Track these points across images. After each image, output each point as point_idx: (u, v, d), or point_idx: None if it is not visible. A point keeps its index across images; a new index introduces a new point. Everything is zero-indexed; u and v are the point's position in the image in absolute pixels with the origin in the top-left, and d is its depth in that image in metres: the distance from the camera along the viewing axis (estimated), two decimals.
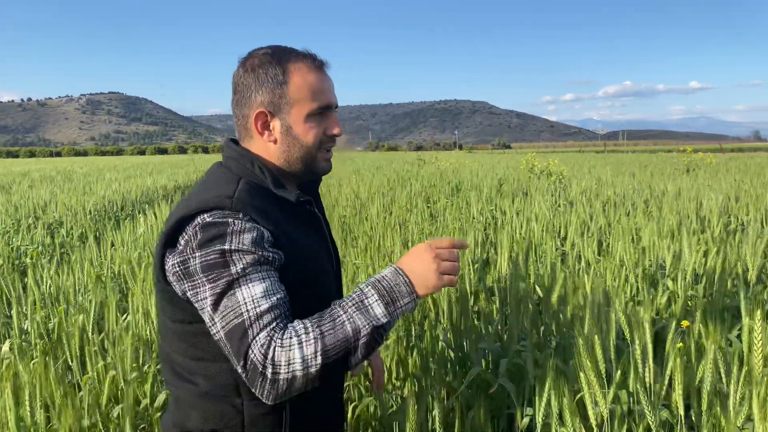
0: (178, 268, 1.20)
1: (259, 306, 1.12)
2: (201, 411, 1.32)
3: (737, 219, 5.84)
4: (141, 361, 2.83)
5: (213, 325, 1.16)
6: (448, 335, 2.82)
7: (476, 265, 3.92)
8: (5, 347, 3.06)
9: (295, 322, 1.14)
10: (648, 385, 1.83)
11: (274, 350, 1.08)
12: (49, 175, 19.69)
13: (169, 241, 1.24)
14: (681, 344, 2.61)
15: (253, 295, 1.13)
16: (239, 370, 1.12)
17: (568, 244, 4.49)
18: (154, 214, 6.97)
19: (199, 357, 1.30)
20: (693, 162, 16.45)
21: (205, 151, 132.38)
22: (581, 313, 2.31)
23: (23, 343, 3.11)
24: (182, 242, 1.22)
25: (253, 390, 1.11)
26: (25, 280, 3.87)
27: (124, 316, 3.39)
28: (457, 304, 2.94)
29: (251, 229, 1.20)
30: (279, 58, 1.34)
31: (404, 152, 78.30)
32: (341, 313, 1.14)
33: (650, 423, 1.70)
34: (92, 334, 2.75)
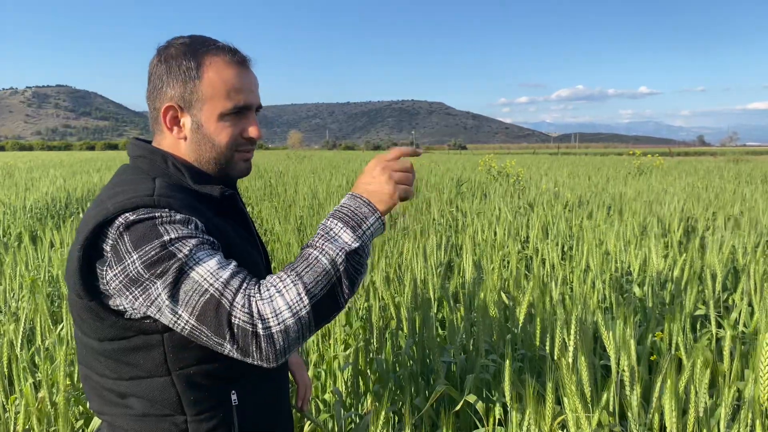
0: (120, 278, 1.06)
1: (221, 276, 1.03)
2: None
3: (695, 221, 5.86)
4: (75, 378, 2.59)
5: (178, 318, 1.04)
6: (411, 348, 2.66)
7: (439, 270, 3.77)
8: None
9: (267, 277, 1.07)
10: (635, 407, 1.70)
11: (256, 306, 1.01)
12: None
13: (89, 251, 1.09)
14: (654, 356, 2.51)
15: (210, 269, 1.04)
16: (227, 347, 1.02)
17: (530, 248, 4.39)
18: None
19: (132, 376, 1.17)
20: (644, 165, 16.82)
21: None
22: (552, 326, 2.18)
23: None
24: (108, 249, 1.08)
25: (250, 360, 1.02)
26: None
27: (59, 325, 3.12)
28: (419, 311, 2.79)
29: (183, 219, 1.09)
30: (195, 50, 1.22)
31: (362, 151, 78.16)
32: (311, 250, 1.08)
33: None
34: (21, 350, 2.49)
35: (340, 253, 1.07)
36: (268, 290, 1.03)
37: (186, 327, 1.05)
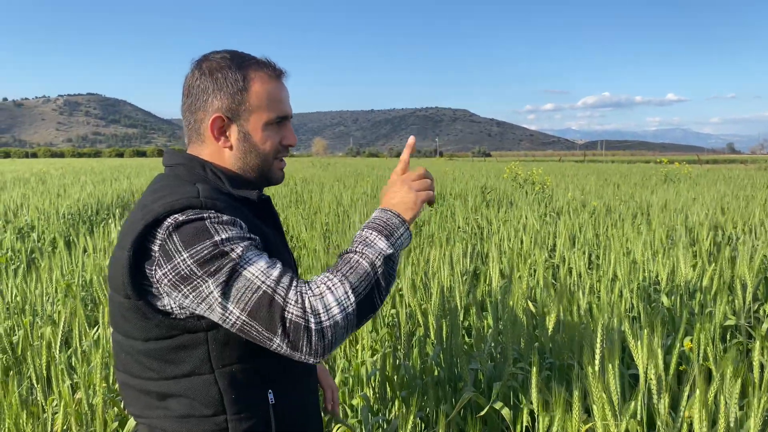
0: (170, 276, 1.11)
1: (272, 274, 1.10)
2: None
3: (724, 231, 5.79)
4: (112, 380, 2.65)
5: (229, 314, 1.10)
6: (439, 355, 2.68)
7: (465, 278, 3.79)
8: None
9: (314, 277, 1.15)
10: (662, 415, 1.71)
11: (309, 301, 1.08)
12: (22, 177, 19.24)
13: (137, 252, 1.14)
14: (683, 367, 2.50)
15: (261, 268, 1.11)
16: (276, 341, 1.08)
17: (557, 256, 4.38)
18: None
19: (175, 374, 1.20)
20: (671, 172, 16.59)
21: None
22: (580, 335, 2.19)
23: None
24: (156, 249, 1.12)
25: (298, 355, 1.08)
26: None
27: (95, 328, 3.20)
28: (446, 319, 2.81)
29: (230, 220, 1.15)
30: (239, 63, 1.30)
31: (385, 158, 78.26)
32: (353, 255, 1.17)
33: None
34: (59, 352, 2.57)
35: (379, 257, 1.16)
36: (318, 287, 1.10)
37: (237, 323, 1.10)
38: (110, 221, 8.58)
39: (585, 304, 2.86)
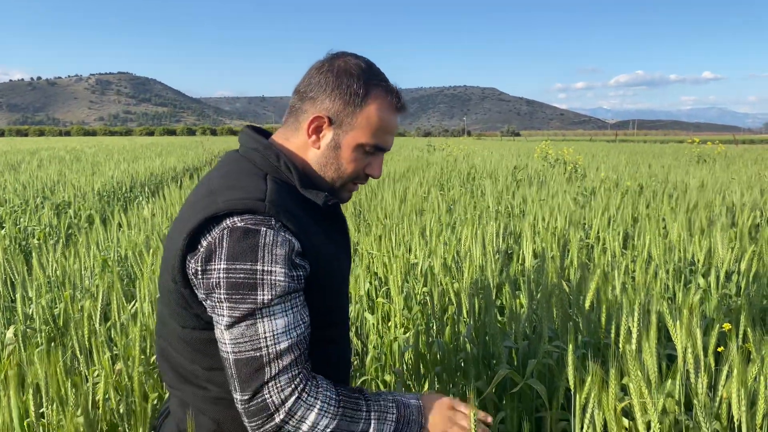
0: (199, 276, 1.12)
1: (279, 344, 1.09)
2: (213, 416, 1.24)
3: (763, 213, 5.66)
4: (149, 353, 2.71)
5: (222, 342, 1.12)
6: (472, 332, 2.69)
7: (497, 257, 3.77)
8: (9, 333, 2.94)
9: (324, 384, 1.15)
10: (700, 394, 1.69)
11: (295, 401, 1.08)
12: (58, 155, 19.60)
13: (193, 240, 1.14)
14: (722, 348, 2.46)
15: (275, 329, 1.10)
16: (238, 397, 1.10)
17: (592, 236, 4.33)
18: (163, 197, 6.84)
19: (209, 366, 1.22)
20: (704, 152, 16.21)
21: (213, 133, 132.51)
22: (618, 314, 2.16)
23: (28, 330, 3.00)
24: (204, 244, 1.12)
25: (246, 422, 1.11)
26: (31, 262, 3.75)
27: (132, 303, 3.27)
28: (479, 298, 2.81)
29: (283, 242, 1.11)
30: (368, 79, 1.26)
31: (413, 138, 77.97)
32: (364, 410, 1.16)
33: None
34: (99, 324, 2.63)
35: None
36: (315, 398, 1.10)
37: (222, 354, 1.13)
38: (142, 200, 8.72)
39: (620, 284, 2.83)
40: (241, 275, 1.08)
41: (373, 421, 1.15)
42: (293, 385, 1.09)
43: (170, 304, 1.23)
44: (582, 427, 1.71)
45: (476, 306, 2.82)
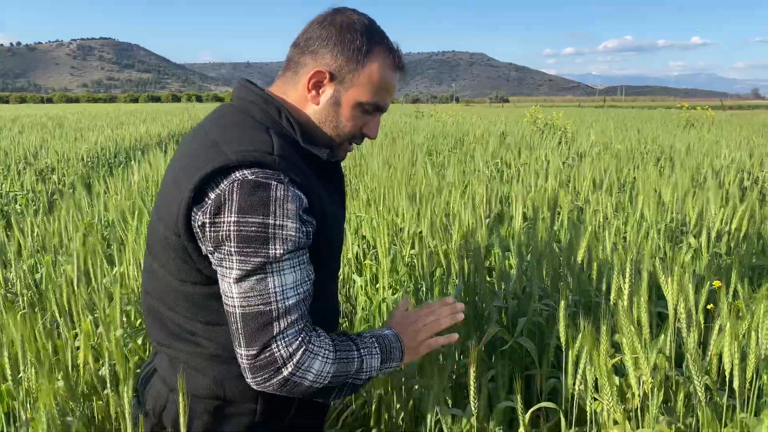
0: (207, 228, 1.07)
1: (288, 299, 1.09)
2: (211, 375, 1.20)
3: (752, 176, 5.66)
4: (133, 316, 2.67)
5: (229, 296, 1.09)
6: (461, 293, 2.66)
7: (487, 221, 3.74)
8: None
9: (323, 334, 1.16)
10: (692, 350, 1.67)
11: (303, 353, 1.09)
12: (40, 121, 19.27)
13: (199, 192, 1.09)
14: (711, 305, 2.45)
15: (284, 284, 1.09)
16: (243, 352, 1.09)
17: (581, 199, 4.31)
18: (149, 163, 6.73)
19: (208, 321, 1.19)
20: (692, 117, 16.27)
21: (199, 99, 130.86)
22: (609, 272, 2.14)
23: (8, 294, 2.94)
24: (212, 196, 1.07)
25: (248, 378, 1.11)
26: (13, 227, 3.67)
27: (115, 267, 3.21)
28: (468, 259, 2.77)
29: (294, 197, 1.09)
30: (371, 35, 1.23)
31: (400, 104, 77.42)
32: (354, 348, 1.20)
33: (698, 390, 1.55)
34: (79, 287, 2.57)
35: (365, 373, 1.21)
36: (320, 347, 1.13)
37: (228, 309, 1.10)
38: (132, 164, 8.60)
39: (610, 244, 2.80)
40: (253, 228, 1.05)
41: (364, 358, 1.19)
42: (300, 338, 1.09)
43: (167, 259, 1.18)
44: (574, 383, 1.70)
45: (465, 267, 2.79)
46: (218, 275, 1.12)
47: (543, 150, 7.55)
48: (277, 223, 1.06)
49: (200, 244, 1.12)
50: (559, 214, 3.68)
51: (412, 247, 3.53)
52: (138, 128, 15.02)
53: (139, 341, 2.51)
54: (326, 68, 1.21)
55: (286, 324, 1.08)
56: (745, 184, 5.27)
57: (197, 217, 1.09)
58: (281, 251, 1.07)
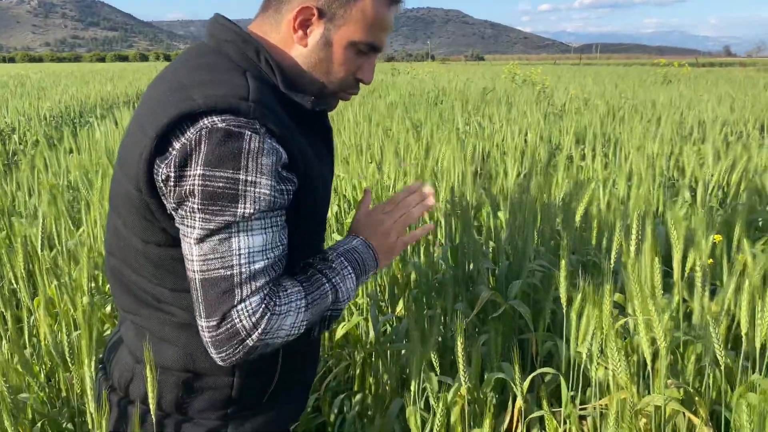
0: (171, 182, 0.93)
1: (254, 263, 0.96)
2: (181, 345, 1.09)
3: (735, 130, 5.60)
4: (101, 281, 2.50)
5: (189, 260, 0.96)
6: (448, 254, 2.53)
7: (477, 180, 3.61)
8: None
9: (287, 283, 1.02)
10: (705, 307, 1.57)
11: (269, 318, 0.96)
12: (0, 80, 18.57)
13: (162, 141, 0.94)
14: (711, 260, 2.36)
15: (251, 246, 0.95)
16: (204, 324, 0.96)
17: (563, 155, 4.19)
18: (115, 122, 6.45)
19: (175, 287, 1.06)
20: (670, 73, 16.29)
21: (168, 58, 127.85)
22: (611, 229, 2.03)
23: None
24: (177, 147, 0.92)
25: (212, 351, 0.97)
26: None
27: (80, 230, 3.02)
28: (457, 218, 2.65)
29: (270, 150, 0.94)
30: None
31: (378, 63, 76.41)
32: (324, 281, 1.07)
33: (717, 350, 1.45)
34: (42, 251, 2.39)
35: (342, 301, 1.09)
36: (287, 305, 0.99)
37: (189, 274, 0.98)
38: (96, 122, 8.27)
39: (605, 201, 2.69)
40: (221, 184, 0.91)
41: (338, 287, 1.08)
42: (264, 304, 0.96)
43: (129, 216, 1.04)
44: (576, 345, 1.59)
45: (453, 226, 2.66)
46: (180, 235, 0.98)
47: (523, 105, 7.41)
48: (249, 179, 0.92)
49: (164, 201, 0.97)
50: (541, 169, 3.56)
51: None
52: (104, 86, 14.52)
53: (108, 309, 2.35)
54: (314, 3, 1.05)
55: (249, 291, 0.95)
56: (729, 139, 5.20)
57: (160, 169, 0.94)
58: (251, 210, 0.93)
